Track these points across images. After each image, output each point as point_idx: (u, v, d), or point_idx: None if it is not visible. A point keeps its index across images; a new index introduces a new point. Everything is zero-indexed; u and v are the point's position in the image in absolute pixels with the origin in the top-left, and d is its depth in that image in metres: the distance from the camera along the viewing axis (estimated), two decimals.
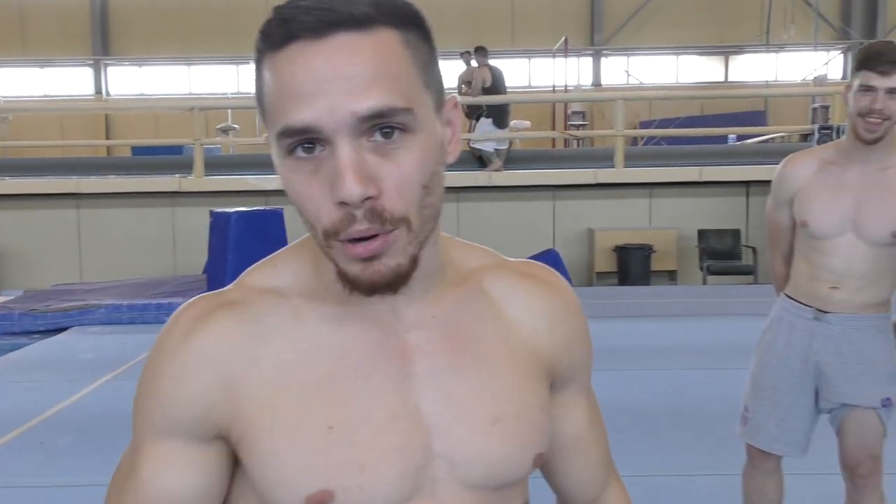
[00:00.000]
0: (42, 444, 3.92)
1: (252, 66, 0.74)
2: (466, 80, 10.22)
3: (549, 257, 8.77)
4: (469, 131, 10.40)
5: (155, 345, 0.79)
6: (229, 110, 14.97)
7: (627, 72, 20.56)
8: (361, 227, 0.69)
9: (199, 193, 9.11)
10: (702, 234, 8.85)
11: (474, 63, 10.12)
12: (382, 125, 0.69)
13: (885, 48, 2.12)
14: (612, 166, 9.26)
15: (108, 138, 17.96)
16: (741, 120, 15.23)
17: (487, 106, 9.85)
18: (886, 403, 2.26)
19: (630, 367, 5.37)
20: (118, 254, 9.18)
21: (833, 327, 2.28)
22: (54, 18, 19.07)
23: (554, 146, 14.58)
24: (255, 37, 0.71)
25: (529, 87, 19.66)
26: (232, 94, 18.34)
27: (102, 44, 19.62)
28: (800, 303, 2.33)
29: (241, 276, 0.83)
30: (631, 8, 20.21)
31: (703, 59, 21.24)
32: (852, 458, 2.31)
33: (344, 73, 0.67)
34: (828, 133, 8.75)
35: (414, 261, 0.73)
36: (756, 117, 16.45)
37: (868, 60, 2.10)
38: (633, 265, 8.88)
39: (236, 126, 13.60)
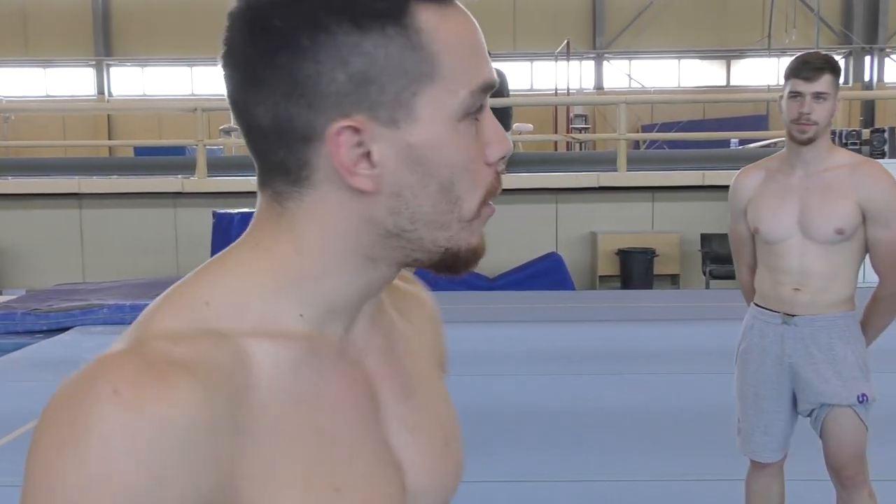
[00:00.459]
0: None
1: None
2: None
3: (552, 261, 8.77)
4: None
5: (71, 440, 0.55)
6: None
7: (629, 75, 20.57)
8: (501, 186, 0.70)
9: (201, 194, 9.12)
10: (704, 238, 8.84)
11: None
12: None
13: (810, 57, 2.31)
14: (615, 170, 9.26)
15: (110, 139, 17.98)
16: (743, 124, 15.25)
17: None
18: (862, 400, 2.34)
19: (632, 371, 5.36)
20: (120, 254, 9.18)
21: (801, 329, 2.37)
22: (57, 19, 19.11)
23: (556, 149, 14.58)
24: None
25: (531, 90, 19.67)
26: None
27: (105, 44, 19.66)
28: (767, 309, 2.44)
29: (152, 317, 0.63)
30: (633, 12, 20.23)
31: (705, 63, 21.25)
32: (837, 460, 2.37)
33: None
34: (830, 138, 8.76)
35: None
36: (758, 121, 16.46)
37: (795, 69, 2.28)
38: (635, 269, 8.87)
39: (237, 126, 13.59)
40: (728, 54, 21.05)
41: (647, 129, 16.48)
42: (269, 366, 0.62)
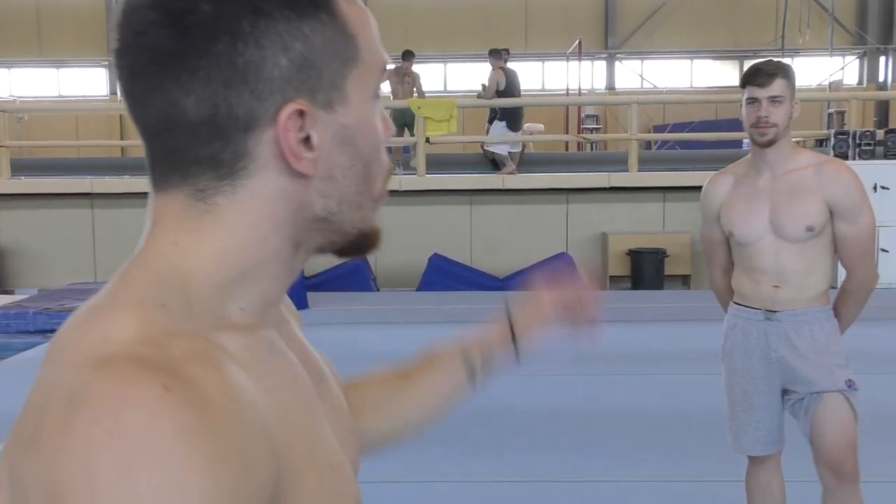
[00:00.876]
0: None
1: None
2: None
3: (563, 261, 8.75)
4: (483, 134, 10.41)
5: (121, 465, 0.48)
6: None
7: (641, 75, 20.51)
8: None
9: None
10: None
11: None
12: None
13: (763, 65, 2.47)
14: (626, 170, 9.23)
15: (122, 139, 18.07)
16: None
17: (501, 108, 9.85)
18: (850, 385, 2.42)
19: (643, 371, 5.34)
20: (132, 253, 9.16)
21: (784, 324, 2.46)
22: (70, 20, 19.21)
23: (567, 150, 14.55)
24: None
25: (543, 90, 19.64)
26: None
27: None
28: (749, 307, 2.52)
29: (106, 328, 0.56)
30: (645, 11, 20.17)
31: (718, 63, 21.16)
32: (835, 454, 2.40)
33: None
34: (844, 138, 8.69)
35: None
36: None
37: (749, 77, 2.43)
38: (646, 269, 8.85)
39: None
40: (741, 54, 20.95)
41: (658, 129, 16.41)
42: (243, 359, 0.60)
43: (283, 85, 0.61)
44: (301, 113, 0.62)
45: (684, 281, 9.19)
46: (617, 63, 20.92)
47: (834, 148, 8.62)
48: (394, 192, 9.14)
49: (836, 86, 17.28)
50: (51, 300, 7.30)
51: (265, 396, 0.59)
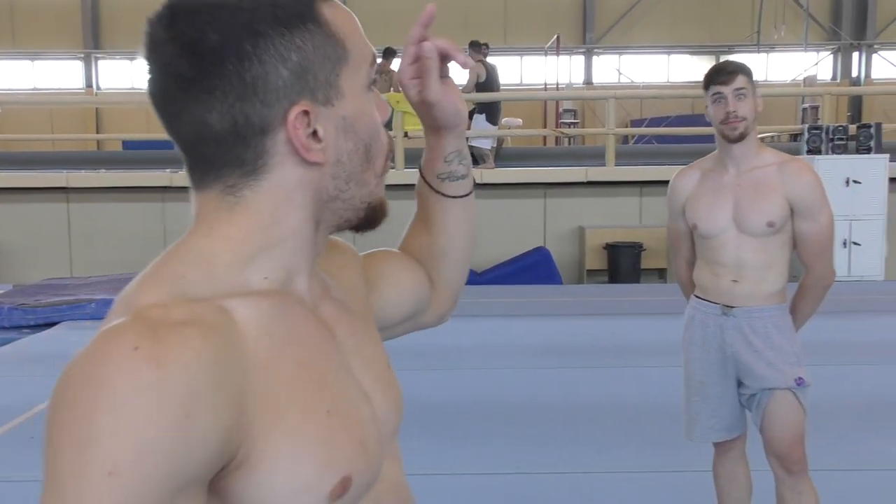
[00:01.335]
0: (32, 440, 3.92)
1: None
2: None
3: (540, 255, 8.80)
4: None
5: (102, 395, 0.61)
6: None
7: (619, 70, 20.61)
8: None
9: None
10: None
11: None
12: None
13: (723, 65, 2.54)
14: (604, 164, 9.29)
15: (98, 132, 17.91)
16: None
17: (480, 102, 9.89)
18: (800, 383, 2.49)
19: (621, 364, 5.40)
20: (108, 248, 9.16)
21: (740, 320, 2.53)
22: (45, 11, 18.99)
23: (545, 144, 14.61)
24: None
25: (521, 84, 19.69)
26: None
27: (93, 37, 19.55)
28: (708, 301, 2.60)
29: (135, 293, 0.71)
30: (622, 7, 20.25)
31: (694, 58, 21.29)
32: (783, 446, 2.49)
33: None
34: (817, 133, 8.78)
35: None
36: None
37: (712, 76, 2.51)
38: (623, 263, 8.92)
39: None
40: (717, 50, 21.09)
41: (635, 123, 16.51)
42: (249, 318, 0.71)
43: (287, 91, 0.73)
44: (306, 112, 0.74)
45: (661, 274, 9.27)
46: (594, 58, 20.99)
47: (808, 143, 8.70)
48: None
49: (810, 81, 17.46)
50: (26, 296, 7.24)
51: (260, 350, 0.70)
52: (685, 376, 2.70)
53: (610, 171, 9.17)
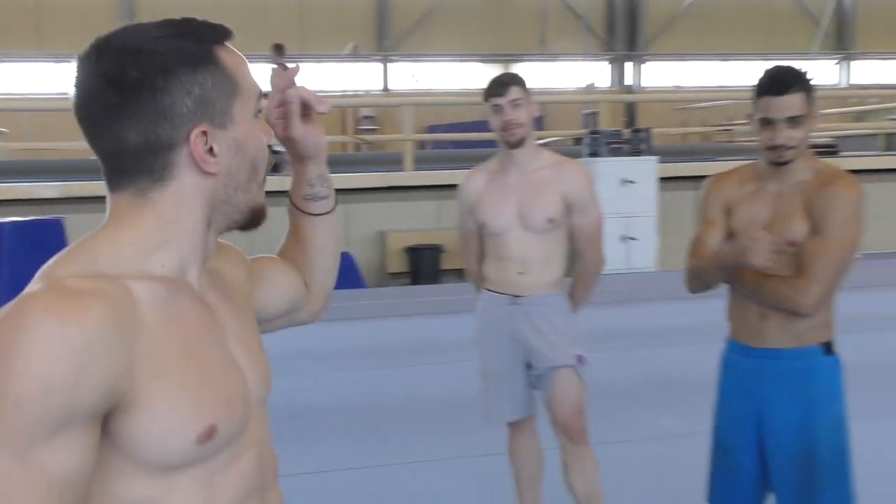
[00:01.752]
0: None
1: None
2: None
3: (344, 261, 8.88)
4: None
5: (14, 343, 0.80)
6: None
7: (415, 77, 21.09)
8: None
9: None
10: None
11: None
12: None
13: (499, 77, 2.77)
14: (402, 169, 9.53)
15: None
16: None
17: None
18: (580, 360, 2.77)
19: (423, 362, 5.61)
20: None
21: (526, 308, 2.78)
22: (73, 11, 16.69)
23: (345, 150, 14.70)
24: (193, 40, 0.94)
25: (319, 91, 19.62)
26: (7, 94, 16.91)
27: None
28: (497, 292, 2.82)
29: (53, 267, 0.89)
30: (416, 15, 20.72)
31: (487, 66, 22.19)
32: (566, 418, 2.77)
33: None
34: (597, 137, 9.48)
35: None
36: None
37: (490, 90, 2.70)
38: (424, 265, 9.19)
39: (4, 130, 12.62)
40: (507, 58, 22.09)
41: (432, 129, 16.97)
42: (145, 297, 0.90)
43: (190, 116, 0.93)
44: (204, 133, 0.94)
45: (460, 274, 9.59)
46: (391, 65, 21.35)
47: (588, 146, 9.37)
48: None
49: (589, 89, 18.73)
50: None
51: (151, 322, 0.89)
52: (481, 364, 2.91)
53: (408, 176, 9.42)
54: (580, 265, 2.88)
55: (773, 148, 2.15)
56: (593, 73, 21.56)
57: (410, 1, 20.73)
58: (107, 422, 0.86)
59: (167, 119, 0.92)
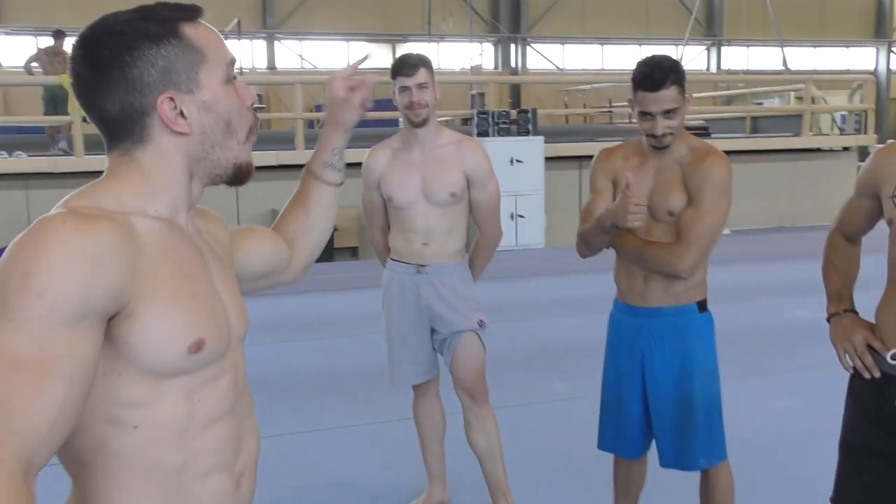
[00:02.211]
0: None
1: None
2: None
3: None
4: None
5: (39, 248, 0.93)
6: None
7: (301, 56, 20.86)
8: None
9: None
10: None
11: None
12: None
13: (408, 58, 2.86)
14: (293, 148, 9.51)
15: None
16: None
17: None
18: (481, 325, 2.97)
19: (317, 336, 5.72)
20: None
21: (431, 277, 2.93)
22: None
23: None
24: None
25: None
26: None
27: None
28: (403, 262, 2.98)
29: (68, 200, 1.05)
30: None
31: (373, 45, 22.18)
32: (469, 379, 2.96)
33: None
34: (485, 117, 9.71)
35: None
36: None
37: (399, 68, 2.83)
38: None
39: None
40: (393, 38, 22.14)
41: (320, 108, 16.88)
42: (145, 229, 1.06)
43: (156, 85, 1.08)
44: (171, 98, 1.08)
45: (353, 252, 9.73)
46: (276, 43, 21.04)
47: (477, 126, 9.59)
48: (48, 175, 8.58)
49: (476, 70, 19.03)
50: None
51: (150, 247, 1.03)
52: (386, 330, 3.06)
53: (300, 155, 9.40)
54: (479, 237, 3.06)
55: (652, 136, 2.38)
56: (478, 55, 21.87)
57: None
58: (111, 328, 1.00)
59: (137, 89, 1.06)
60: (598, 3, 23.75)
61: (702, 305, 2.50)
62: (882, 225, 1.95)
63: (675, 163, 2.44)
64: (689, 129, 2.73)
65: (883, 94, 25.71)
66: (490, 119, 9.69)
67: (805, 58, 25.95)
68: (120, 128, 1.09)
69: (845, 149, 12.12)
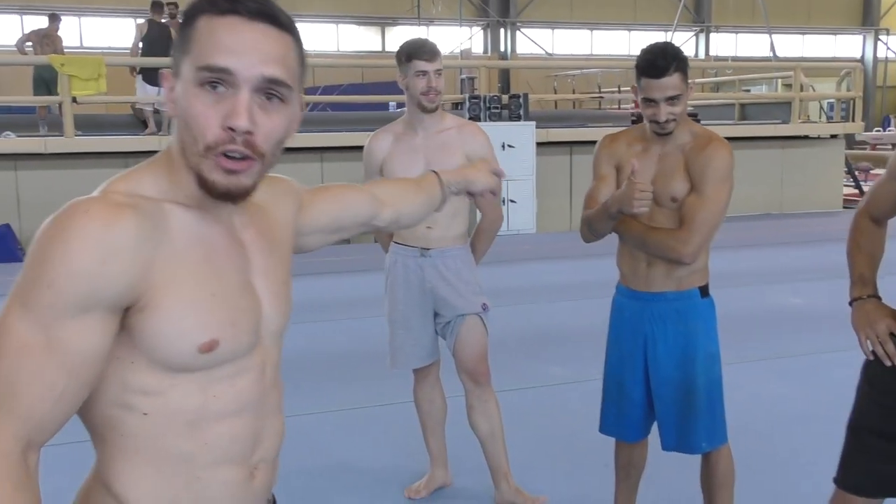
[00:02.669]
0: None
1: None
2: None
3: None
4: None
5: (58, 236, 0.94)
6: None
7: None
8: (238, 147, 1.02)
9: None
10: None
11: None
12: (271, 90, 1.04)
13: (426, 43, 2.91)
14: None
15: None
16: (399, 88, 16.11)
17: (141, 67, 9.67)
18: (485, 308, 3.00)
19: (316, 319, 5.72)
20: None
21: (435, 260, 2.96)
22: None
23: None
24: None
25: None
26: None
27: None
28: (407, 245, 3.00)
29: (108, 185, 1.05)
30: None
31: (362, 28, 22.08)
32: (472, 362, 2.99)
33: (264, 48, 1.03)
34: (476, 102, 9.71)
35: (255, 185, 1.08)
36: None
37: (417, 52, 2.86)
38: None
39: None
40: (382, 21, 22.03)
41: (309, 91, 16.79)
42: (177, 218, 1.04)
43: (173, 60, 1.07)
44: (167, 78, 1.07)
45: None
46: None
47: (469, 111, 9.60)
48: (38, 156, 8.52)
49: (466, 54, 18.98)
50: None
51: (177, 239, 1.03)
52: (389, 313, 3.07)
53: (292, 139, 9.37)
54: (481, 221, 3.08)
55: (656, 122, 2.41)
56: (468, 39, 21.80)
57: None
58: (127, 317, 1.00)
59: (173, 58, 1.08)
60: None
61: (704, 290, 2.53)
62: None
63: (678, 149, 2.46)
64: None
65: (870, 81, 25.85)
66: (482, 104, 9.69)
67: (793, 45, 26.05)
68: None
69: (833, 136, 12.21)
